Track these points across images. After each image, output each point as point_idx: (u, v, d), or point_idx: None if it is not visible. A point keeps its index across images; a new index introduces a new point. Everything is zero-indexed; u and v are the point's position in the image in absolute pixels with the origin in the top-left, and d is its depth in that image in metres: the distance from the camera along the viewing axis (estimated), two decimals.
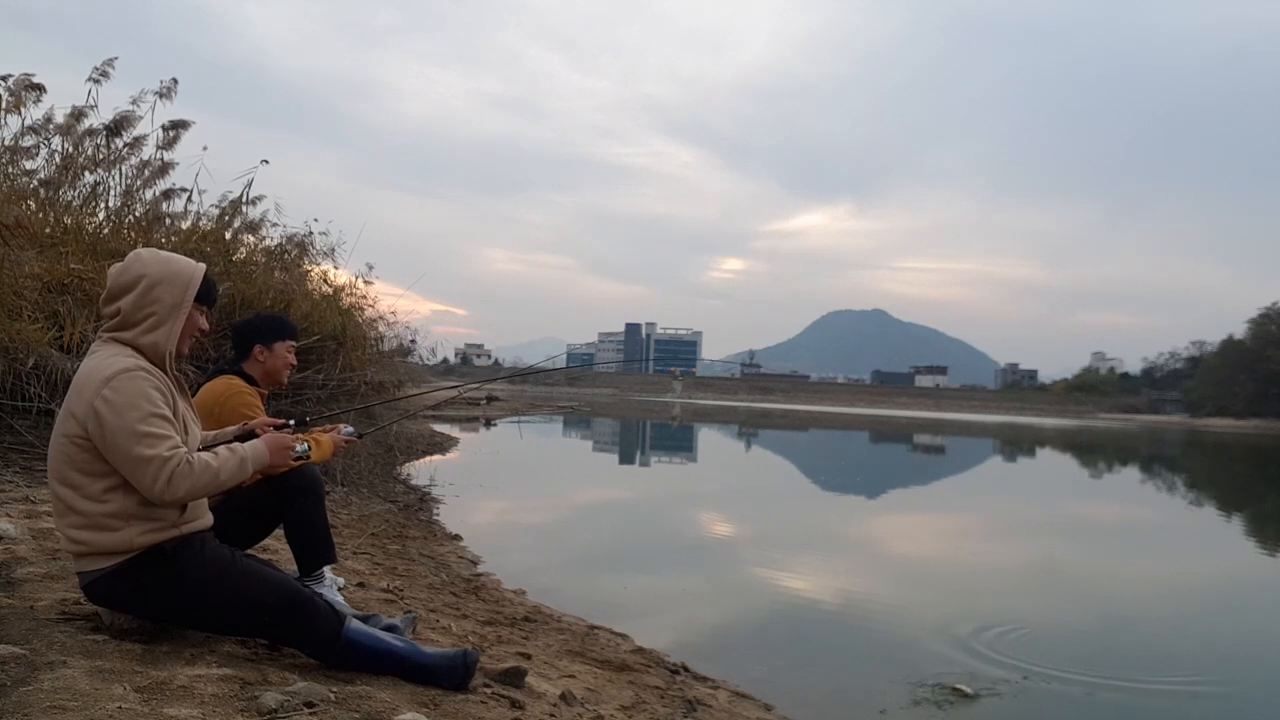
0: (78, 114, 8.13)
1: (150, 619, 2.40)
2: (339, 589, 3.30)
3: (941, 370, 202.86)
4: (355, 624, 2.52)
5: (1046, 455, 27.28)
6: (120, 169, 8.27)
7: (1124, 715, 4.19)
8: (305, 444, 2.66)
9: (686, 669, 4.21)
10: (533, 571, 6.11)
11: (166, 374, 2.39)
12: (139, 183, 8.41)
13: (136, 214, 8.28)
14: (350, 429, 3.26)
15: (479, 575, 5.75)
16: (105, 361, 2.28)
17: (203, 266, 2.49)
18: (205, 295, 2.49)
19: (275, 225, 9.60)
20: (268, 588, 2.39)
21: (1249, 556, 9.63)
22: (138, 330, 2.36)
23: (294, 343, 3.35)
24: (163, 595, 2.32)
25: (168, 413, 2.28)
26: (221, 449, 2.40)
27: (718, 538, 8.89)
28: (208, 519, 2.51)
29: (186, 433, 2.40)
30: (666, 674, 4.01)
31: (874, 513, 12.15)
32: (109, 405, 2.20)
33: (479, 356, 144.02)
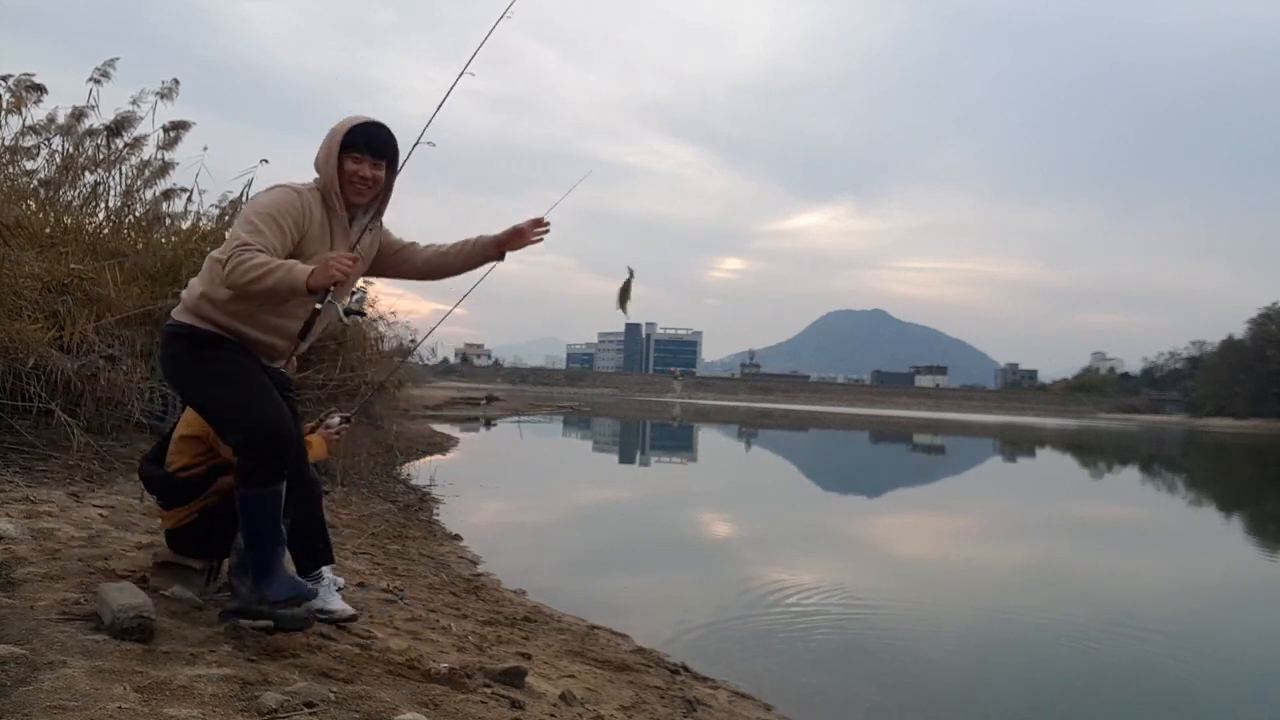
0: (78, 114, 8.13)
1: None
2: (339, 589, 3.30)
3: (941, 370, 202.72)
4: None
5: (1046, 455, 27.29)
6: (120, 169, 8.27)
7: None
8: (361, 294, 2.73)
9: (686, 669, 4.21)
10: (533, 571, 6.11)
11: (334, 212, 2.75)
12: (139, 183, 8.40)
13: (136, 214, 8.27)
14: (336, 418, 3.26)
15: (479, 575, 5.74)
16: None
17: (358, 118, 2.78)
18: (354, 144, 2.74)
19: None
20: (243, 400, 2.60)
21: (1243, 559, 9.63)
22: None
23: None
24: (181, 368, 2.73)
25: (283, 220, 2.60)
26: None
27: (718, 537, 8.89)
28: (257, 340, 2.71)
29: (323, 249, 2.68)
30: (666, 674, 4.01)
31: (874, 513, 12.16)
32: (249, 204, 2.75)
33: (479, 356, 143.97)
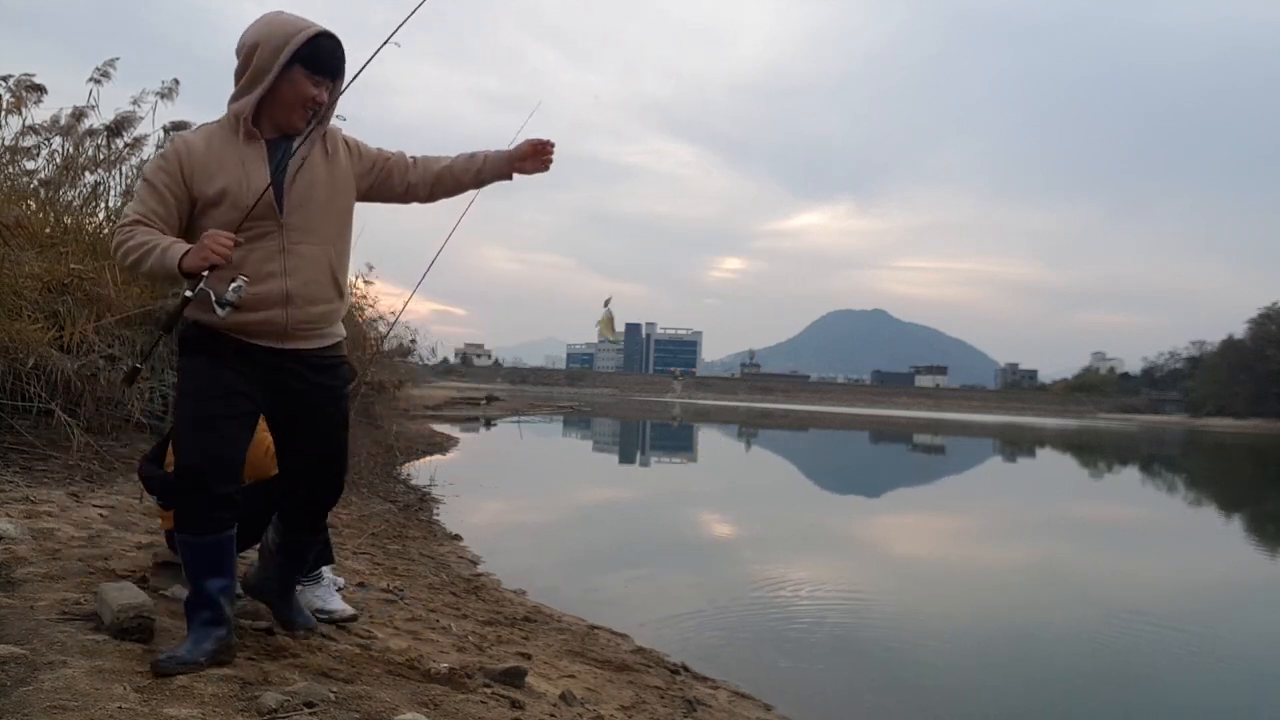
0: (78, 114, 8.13)
1: None
2: (339, 589, 3.30)
3: (941, 370, 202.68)
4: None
5: (1046, 455, 27.28)
6: (120, 169, 8.27)
7: None
8: (240, 284, 2.24)
9: (686, 669, 4.21)
10: (533, 571, 6.11)
11: (251, 137, 2.37)
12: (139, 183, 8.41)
13: None
14: None
15: (479, 575, 5.75)
16: None
17: (312, 27, 2.33)
18: (311, 60, 2.33)
19: None
20: (182, 435, 2.35)
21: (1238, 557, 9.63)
22: (233, 95, 2.39)
23: None
24: None
25: (156, 181, 2.33)
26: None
27: (718, 537, 8.89)
28: (247, 319, 2.33)
29: (241, 189, 2.32)
30: (666, 674, 4.01)
31: (874, 513, 12.15)
32: None
33: (479, 356, 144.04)
